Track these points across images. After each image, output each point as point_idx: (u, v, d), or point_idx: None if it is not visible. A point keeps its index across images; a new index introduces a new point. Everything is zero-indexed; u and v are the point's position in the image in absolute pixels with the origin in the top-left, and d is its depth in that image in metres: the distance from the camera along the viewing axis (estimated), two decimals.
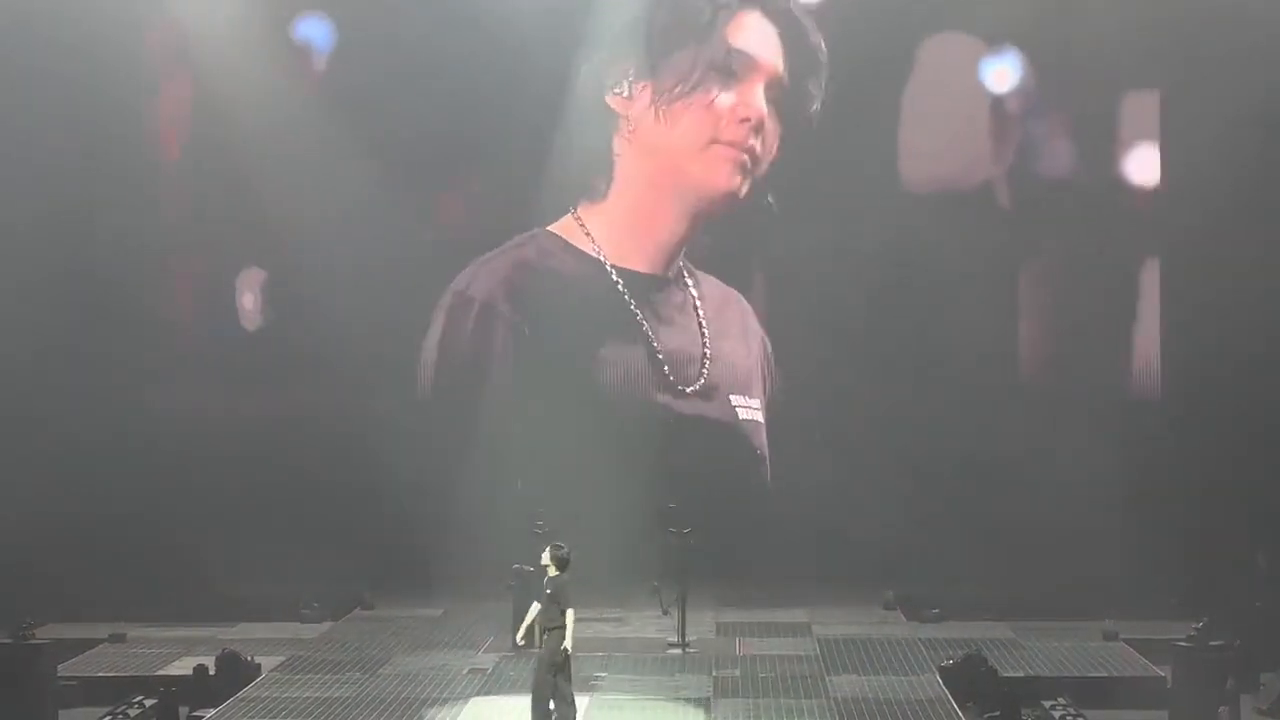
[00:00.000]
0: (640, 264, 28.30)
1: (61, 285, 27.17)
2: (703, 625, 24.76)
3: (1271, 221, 26.63)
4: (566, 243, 28.30)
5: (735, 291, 28.68)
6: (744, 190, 28.02)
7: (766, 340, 28.53)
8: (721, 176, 28.02)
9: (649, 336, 28.09)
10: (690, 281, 28.54)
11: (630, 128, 28.08)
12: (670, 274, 28.38)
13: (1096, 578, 25.75)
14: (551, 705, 18.85)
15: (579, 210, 28.25)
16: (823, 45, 28.02)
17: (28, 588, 25.07)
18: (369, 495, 27.01)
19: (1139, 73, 27.40)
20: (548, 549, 19.33)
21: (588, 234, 28.30)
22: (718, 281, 28.62)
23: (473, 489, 27.13)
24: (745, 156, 27.95)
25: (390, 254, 27.72)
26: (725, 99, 27.99)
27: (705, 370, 28.23)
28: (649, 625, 24.73)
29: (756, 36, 28.32)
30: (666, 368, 28.03)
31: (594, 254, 28.24)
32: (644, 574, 23.82)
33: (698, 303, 28.50)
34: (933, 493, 27.11)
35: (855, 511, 27.00)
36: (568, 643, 18.89)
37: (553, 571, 19.12)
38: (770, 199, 28.12)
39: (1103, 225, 27.49)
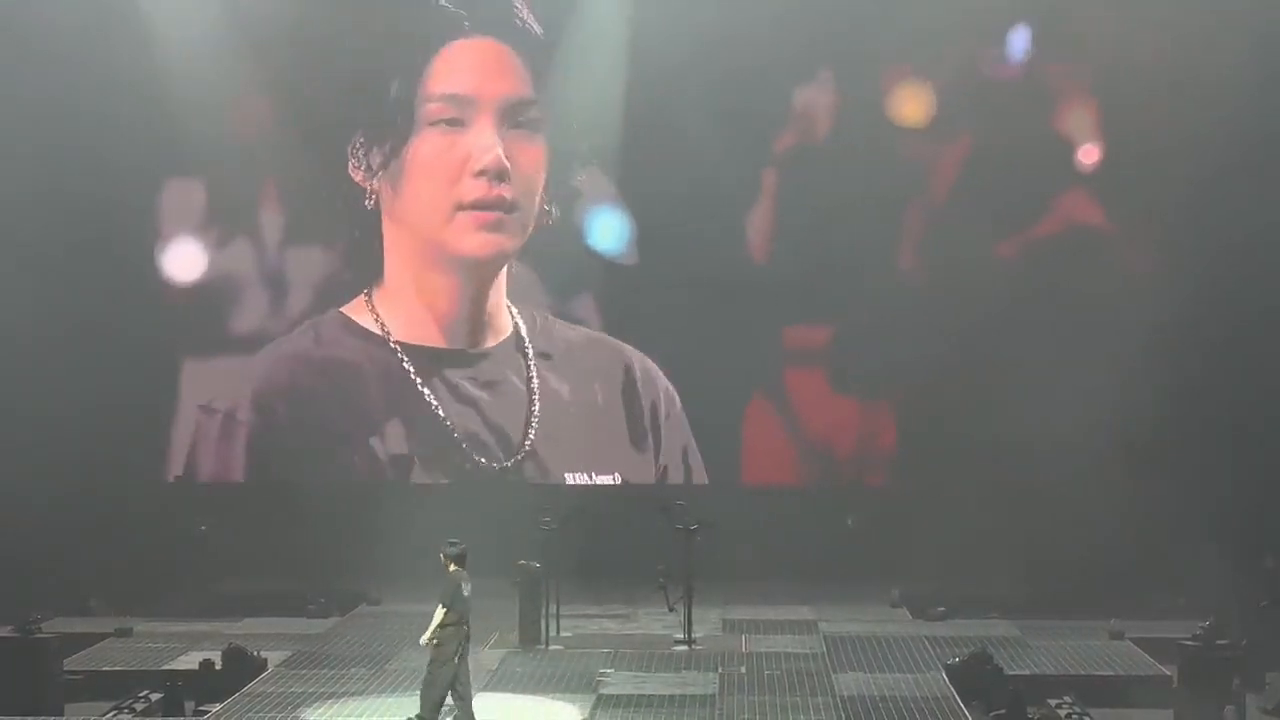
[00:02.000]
0: (435, 339, 27.51)
1: (63, 283, 27.16)
2: (709, 622, 24.75)
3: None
4: (351, 323, 27.53)
5: (626, 352, 27.81)
6: (514, 245, 27.20)
7: (665, 399, 27.75)
8: (477, 244, 27.14)
9: (435, 412, 27.30)
10: (530, 349, 27.64)
11: (371, 201, 27.23)
12: (481, 345, 27.51)
13: (1103, 577, 25.76)
14: (450, 700, 18.86)
15: (371, 289, 27.57)
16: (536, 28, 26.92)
17: (34, 582, 25.15)
18: (373, 491, 27.06)
19: None
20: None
21: (374, 312, 27.51)
22: (603, 343, 27.79)
23: (475, 487, 27.20)
24: (498, 214, 27.01)
25: None
26: (454, 153, 26.98)
27: (529, 441, 27.51)
28: (655, 622, 24.73)
29: (468, 69, 27.12)
30: (465, 444, 27.41)
31: (378, 332, 27.45)
32: (650, 571, 23.82)
33: (532, 373, 27.59)
34: (938, 491, 27.12)
35: (862, 510, 27.03)
36: (423, 637, 18.86)
37: (451, 569, 19.00)
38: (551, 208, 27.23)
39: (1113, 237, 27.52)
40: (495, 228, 27.10)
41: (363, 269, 27.64)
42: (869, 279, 27.67)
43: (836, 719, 19.91)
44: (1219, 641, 20.99)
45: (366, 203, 27.25)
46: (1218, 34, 26.42)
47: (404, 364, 27.38)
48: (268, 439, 27.60)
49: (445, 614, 18.76)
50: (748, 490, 27.84)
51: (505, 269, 27.74)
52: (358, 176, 27.19)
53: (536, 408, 27.63)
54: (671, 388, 27.85)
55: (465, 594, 18.85)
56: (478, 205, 27.00)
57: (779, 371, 28.23)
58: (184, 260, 28.05)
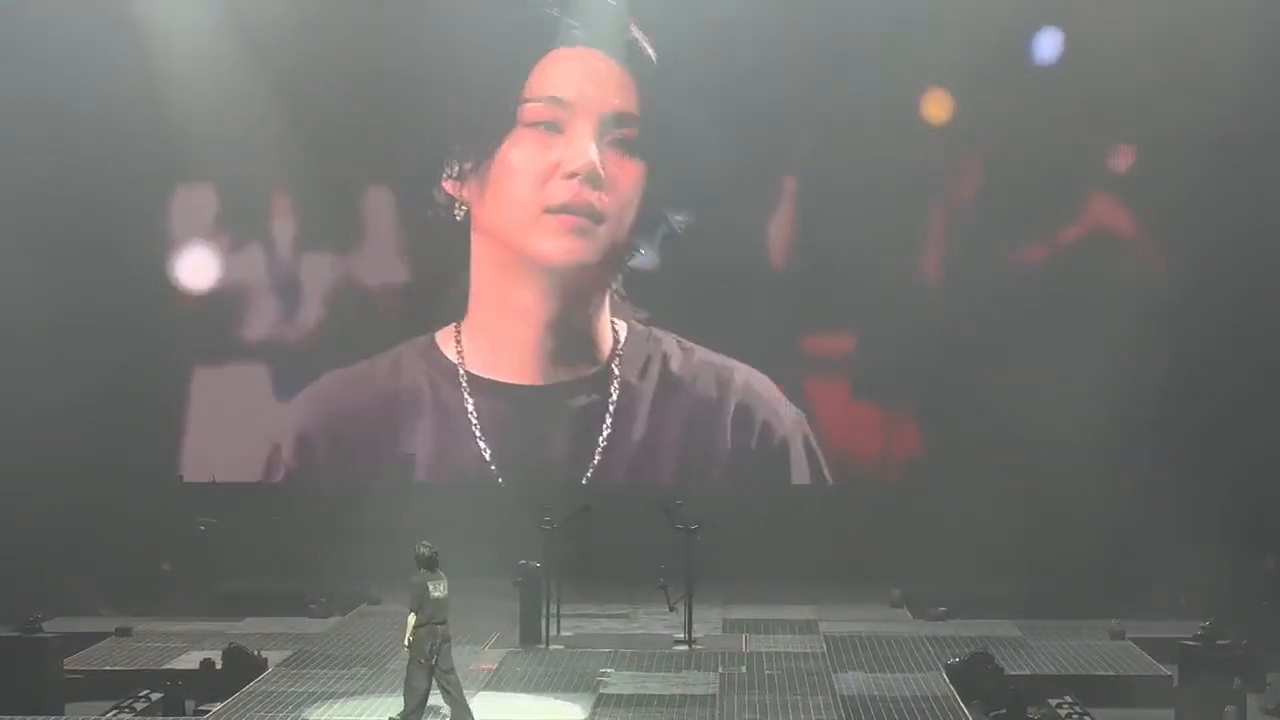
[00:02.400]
0: (513, 371, 27.32)
1: (66, 280, 27.17)
2: (709, 622, 24.76)
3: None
4: (434, 350, 27.43)
5: (737, 386, 27.43)
6: (593, 257, 26.83)
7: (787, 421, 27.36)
8: (557, 249, 26.77)
9: (482, 452, 27.14)
10: (616, 383, 27.36)
11: (461, 213, 27.03)
12: (569, 375, 27.26)
13: (1103, 577, 25.76)
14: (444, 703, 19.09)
15: (461, 318, 27.46)
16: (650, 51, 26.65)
17: (35, 582, 25.16)
18: (374, 490, 27.08)
19: None
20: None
21: (458, 341, 27.40)
22: (719, 375, 27.36)
23: (478, 486, 27.21)
24: (584, 220, 26.69)
25: None
26: (547, 156, 26.71)
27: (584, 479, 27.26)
28: (655, 622, 24.74)
29: (574, 76, 26.82)
30: (501, 479, 27.21)
31: (454, 360, 27.33)
32: (650, 570, 23.82)
33: (609, 410, 27.34)
34: (940, 491, 27.12)
35: (863, 509, 27.03)
36: (405, 640, 19.03)
37: (419, 571, 19.13)
38: (641, 251, 27.11)
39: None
40: (578, 234, 26.79)
41: (452, 293, 27.55)
42: (878, 283, 27.61)
43: (837, 718, 19.91)
44: (1220, 641, 21.01)
45: (456, 214, 27.06)
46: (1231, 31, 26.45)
47: (465, 398, 27.18)
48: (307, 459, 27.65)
49: (416, 617, 18.93)
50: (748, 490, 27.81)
51: (607, 292, 27.48)
52: (449, 187, 27.01)
53: (599, 447, 27.46)
54: (790, 415, 27.51)
55: (435, 595, 19.03)
56: (565, 209, 26.69)
57: (797, 376, 28.22)
58: (197, 267, 28.07)
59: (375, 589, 26.59)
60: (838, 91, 27.07)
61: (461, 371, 27.35)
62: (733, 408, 27.56)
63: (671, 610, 23.81)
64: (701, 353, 27.69)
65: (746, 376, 27.59)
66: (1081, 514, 26.45)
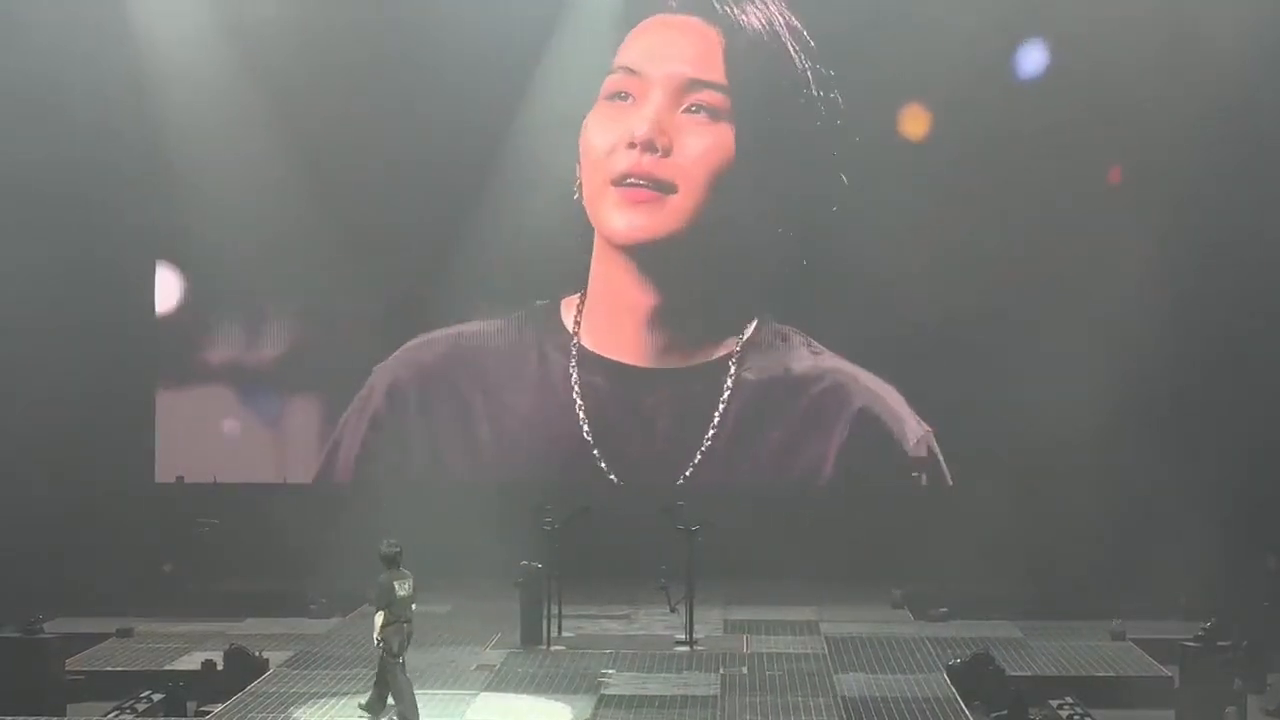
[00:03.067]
0: (623, 352, 27.02)
1: (68, 280, 27.18)
2: (710, 622, 24.76)
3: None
4: (554, 317, 27.19)
5: (856, 394, 26.91)
6: (666, 230, 26.30)
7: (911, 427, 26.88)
8: (622, 225, 26.31)
9: (580, 422, 26.78)
10: (732, 374, 26.80)
11: (578, 191, 26.80)
12: (679, 362, 26.88)
13: (1104, 577, 25.77)
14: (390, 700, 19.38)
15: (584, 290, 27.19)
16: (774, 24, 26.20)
17: (36, 582, 25.18)
18: (372, 490, 27.10)
19: None
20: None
21: (578, 311, 27.12)
22: (834, 381, 26.82)
23: (480, 485, 27.21)
24: (647, 191, 26.15)
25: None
26: (617, 126, 26.42)
27: (687, 471, 26.95)
28: (656, 622, 24.74)
29: (652, 44, 26.50)
30: (601, 460, 26.92)
31: (571, 330, 27.06)
32: (651, 571, 23.84)
33: (725, 396, 26.81)
34: (941, 492, 27.13)
35: (863, 510, 27.04)
36: (375, 639, 19.27)
37: (384, 571, 19.35)
38: None
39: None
40: (644, 207, 26.24)
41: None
42: (876, 279, 27.59)
43: (838, 719, 19.90)
44: (1220, 642, 21.00)
45: (574, 190, 26.81)
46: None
47: (572, 368, 26.82)
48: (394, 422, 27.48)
49: (385, 615, 19.15)
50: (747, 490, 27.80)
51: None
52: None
53: (708, 441, 27.02)
54: (919, 431, 27.03)
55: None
56: (626, 178, 26.20)
57: None
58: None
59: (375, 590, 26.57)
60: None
61: (574, 342, 27.02)
62: (855, 414, 26.98)
63: (672, 611, 23.82)
64: (830, 358, 27.19)
65: (871, 384, 27.02)
66: (1082, 515, 26.47)
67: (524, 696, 20.89)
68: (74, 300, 27.24)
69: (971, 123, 27.40)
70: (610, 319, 27.04)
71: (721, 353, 27.18)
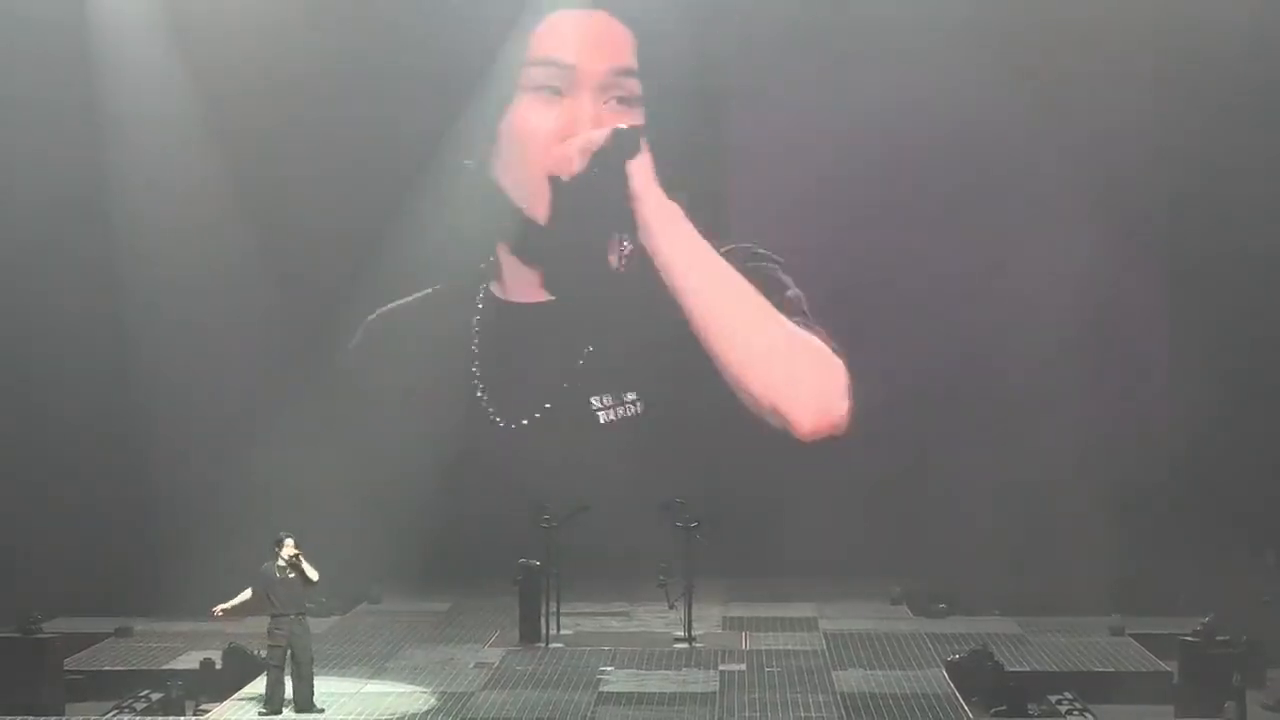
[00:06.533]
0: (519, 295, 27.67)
1: (67, 277, 27.17)
2: (709, 620, 24.76)
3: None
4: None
5: None
6: None
7: None
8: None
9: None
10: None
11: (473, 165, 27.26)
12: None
13: (1103, 573, 25.76)
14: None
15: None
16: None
17: (35, 582, 25.19)
18: (376, 489, 27.08)
19: None
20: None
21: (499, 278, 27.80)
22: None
23: (479, 484, 27.21)
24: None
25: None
26: (546, 122, 27.08)
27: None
28: (655, 619, 24.75)
29: (570, 40, 27.06)
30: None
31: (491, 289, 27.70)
32: (650, 568, 23.84)
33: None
34: (939, 489, 27.14)
35: (862, 507, 27.03)
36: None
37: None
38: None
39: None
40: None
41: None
42: (876, 277, 27.62)
43: (837, 716, 19.91)
44: (1219, 638, 21.03)
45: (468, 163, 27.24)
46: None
47: (476, 309, 27.60)
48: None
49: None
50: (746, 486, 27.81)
51: None
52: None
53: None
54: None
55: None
56: (565, 174, 27.00)
57: None
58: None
59: (375, 588, 26.60)
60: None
61: (480, 290, 27.75)
62: None
63: (671, 608, 23.82)
64: None
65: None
66: (1081, 510, 26.46)
67: (526, 693, 20.89)
68: (77, 299, 27.19)
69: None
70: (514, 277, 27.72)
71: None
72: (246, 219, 27.40)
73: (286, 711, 20.02)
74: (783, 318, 27.31)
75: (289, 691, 20.20)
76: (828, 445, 27.45)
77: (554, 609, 23.65)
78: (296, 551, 20.27)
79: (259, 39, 27.15)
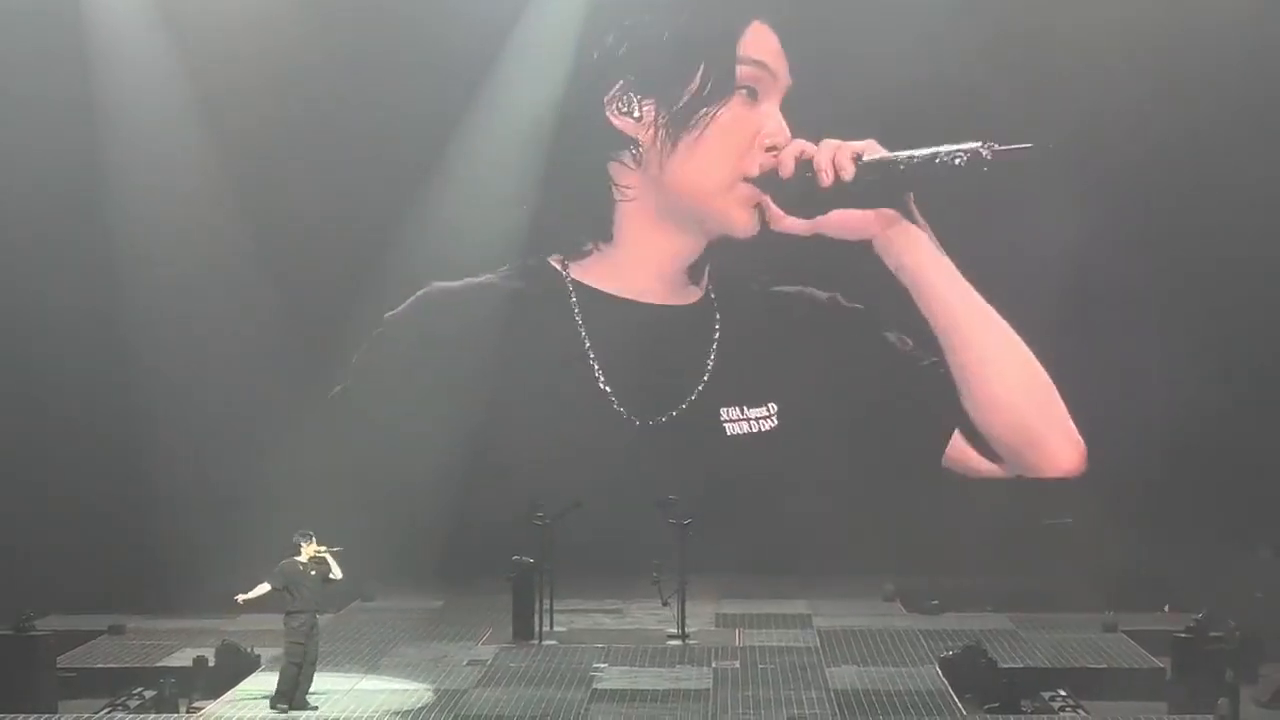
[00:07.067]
0: (639, 293, 27.49)
1: (66, 277, 27.14)
2: (703, 617, 24.77)
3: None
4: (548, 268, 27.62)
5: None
6: (758, 227, 27.16)
7: None
8: (741, 220, 27.11)
9: (592, 363, 27.42)
10: (717, 309, 27.46)
11: (638, 155, 27.15)
12: (680, 301, 27.43)
13: (1096, 570, 25.79)
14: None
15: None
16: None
17: (28, 579, 25.16)
18: (366, 486, 27.07)
19: None
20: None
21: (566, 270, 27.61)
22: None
23: (473, 481, 27.19)
24: (767, 194, 27.00)
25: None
26: (747, 123, 26.95)
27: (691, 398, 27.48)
28: (649, 617, 24.74)
29: (771, 47, 27.03)
30: (611, 395, 27.50)
31: (564, 276, 27.49)
32: (644, 565, 23.84)
33: (716, 329, 27.50)
34: (932, 485, 27.14)
35: (855, 504, 27.04)
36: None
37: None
38: None
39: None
40: (759, 208, 27.23)
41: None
42: (868, 271, 27.61)
43: (830, 712, 19.89)
44: (1212, 634, 21.04)
45: (633, 157, 27.13)
46: None
47: (573, 303, 27.38)
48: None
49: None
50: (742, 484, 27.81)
51: None
52: (623, 125, 27.14)
53: (710, 364, 27.50)
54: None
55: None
56: (761, 178, 27.06)
57: None
58: None
59: (368, 586, 26.58)
60: None
61: (569, 279, 27.62)
62: None
63: (665, 605, 23.82)
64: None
65: None
66: (1074, 507, 26.47)
67: (520, 690, 20.88)
68: (75, 299, 27.17)
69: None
70: (628, 269, 27.62)
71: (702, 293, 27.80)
72: (246, 218, 27.43)
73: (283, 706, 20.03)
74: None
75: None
76: (821, 442, 27.45)
77: (547, 606, 23.64)
78: (323, 550, 20.21)
79: (259, 37, 27.12)
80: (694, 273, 27.54)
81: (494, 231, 27.63)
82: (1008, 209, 26.96)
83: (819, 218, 27.11)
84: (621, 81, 27.16)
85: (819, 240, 27.30)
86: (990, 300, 27.18)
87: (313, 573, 20.24)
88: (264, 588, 20.29)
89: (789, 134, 26.95)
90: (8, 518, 26.53)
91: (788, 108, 27.14)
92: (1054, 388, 26.96)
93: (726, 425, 27.50)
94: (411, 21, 27.26)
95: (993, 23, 26.87)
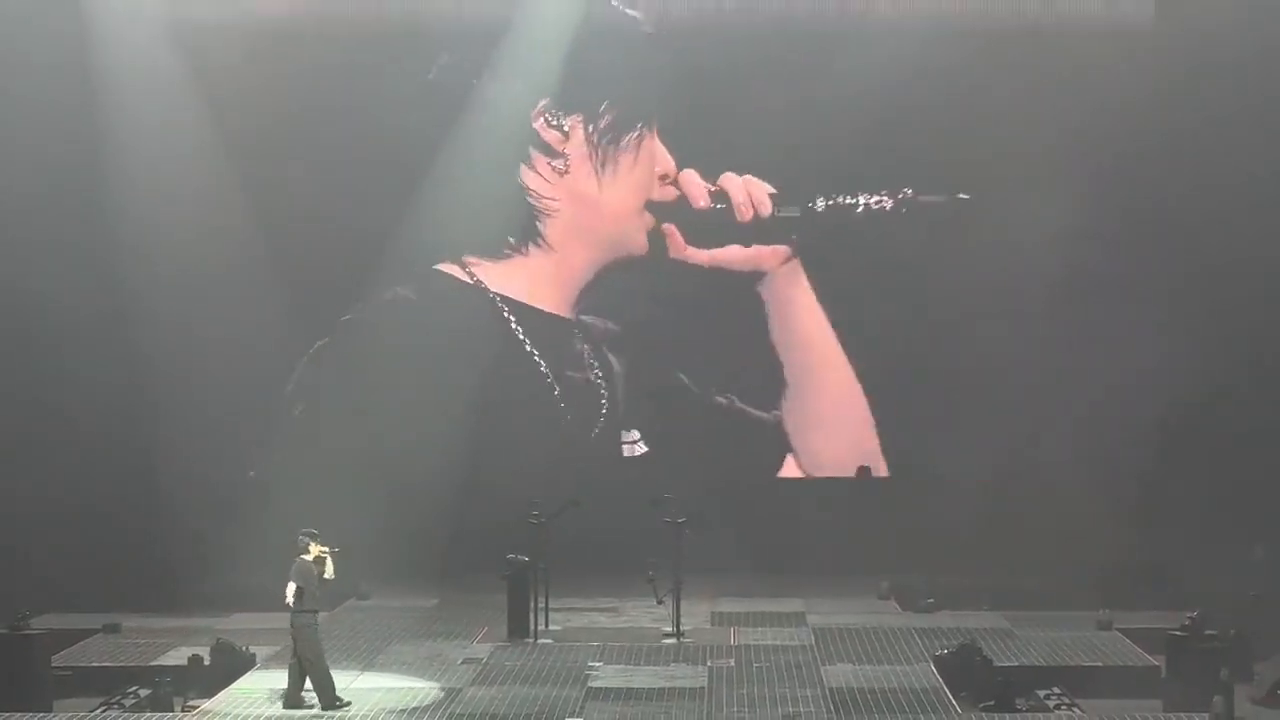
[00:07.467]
0: (545, 303, 27.95)
1: (69, 277, 27.13)
2: (698, 615, 24.77)
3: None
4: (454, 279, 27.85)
5: None
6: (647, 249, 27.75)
7: None
8: (640, 242, 27.76)
9: (547, 377, 27.78)
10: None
11: (563, 167, 27.52)
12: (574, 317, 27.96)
13: (1091, 568, 25.81)
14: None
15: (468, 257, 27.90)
16: None
17: (23, 578, 25.15)
18: (361, 485, 27.07)
19: None
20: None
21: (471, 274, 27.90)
22: None
23: (469, 480, 27.20)
24: (674, 224, 27.60)
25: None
26: (652, 151, 27.51)
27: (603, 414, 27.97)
28: (644, 615, 24.75)
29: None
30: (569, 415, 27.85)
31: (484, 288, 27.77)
32: (639, 564, 23.84)
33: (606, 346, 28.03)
34: (928, 484, 27.15)
35: (851, 503, 27.05)
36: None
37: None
38: None
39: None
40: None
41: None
42: (867, 280, 27.66)
43: (825, 710, 19.91)
44: (1207, 632, 21.05)
45: (556, 168, 27.55)
46: None
47: (511, 322, 27.78)
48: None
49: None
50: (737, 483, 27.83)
51: None
52: (549, 137, 27.56)
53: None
54: None
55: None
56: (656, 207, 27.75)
57: None
58: None
59: (363, 584, 26.57)
60: None
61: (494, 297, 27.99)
62: None
63: (660, 604, 23.82)
64: None
65: None
66: (1069, 506, 26.48)
67: (515, 688, 20.88)
68: (75, 298, 27.16)
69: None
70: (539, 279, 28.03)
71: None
72: (249, 219, 27.45)
73: (280, 705, 19.99)
74: None
75: (287, 685, 20.18)
76: (816, 440, 27.48)
77: (542, 604, 23.63)
78: (325, 549, 20.21)
79: (260, 39, 27.16)
80: (588, 290, 27.99)
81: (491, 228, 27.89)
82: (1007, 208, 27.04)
83: (716, 250, 27.74)
84: (548, 98, 27.46)
85: (707, 272, 27.94)
86: (989, 299, 27.22)
87: (316, 571, 20.19)
88: (293, 587, 20.20)
89: (674, 164, 27.54)
90: (7, 517, 26.50)
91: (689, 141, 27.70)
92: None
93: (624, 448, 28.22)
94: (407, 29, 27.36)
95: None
